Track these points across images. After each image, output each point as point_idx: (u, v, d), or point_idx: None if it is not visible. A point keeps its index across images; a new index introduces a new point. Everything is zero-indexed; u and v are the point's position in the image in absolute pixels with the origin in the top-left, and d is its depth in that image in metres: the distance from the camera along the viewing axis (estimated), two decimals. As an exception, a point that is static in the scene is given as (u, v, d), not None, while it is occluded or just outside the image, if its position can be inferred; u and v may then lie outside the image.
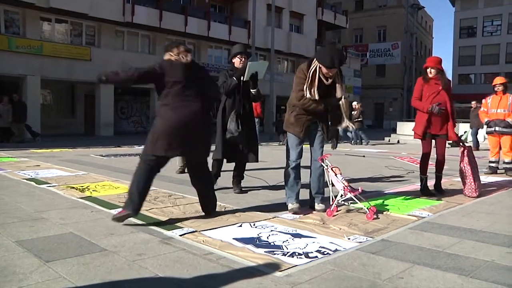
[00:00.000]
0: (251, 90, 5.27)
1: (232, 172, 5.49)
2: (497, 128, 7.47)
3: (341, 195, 4.08)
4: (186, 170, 7.03)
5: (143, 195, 3.67)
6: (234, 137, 5.04)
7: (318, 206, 4.25)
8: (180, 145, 3.62)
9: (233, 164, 5.47)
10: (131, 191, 3.66)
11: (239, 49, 5.44)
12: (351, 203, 4.20)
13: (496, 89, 7.61)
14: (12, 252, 2.91)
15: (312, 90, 4.05)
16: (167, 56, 3.79)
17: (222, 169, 5.53)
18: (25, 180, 6.03)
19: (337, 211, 4.17)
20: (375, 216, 3.95)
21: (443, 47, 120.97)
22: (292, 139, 4.31)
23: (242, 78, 5.14)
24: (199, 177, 3.97)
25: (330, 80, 4.10)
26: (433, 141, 5.36)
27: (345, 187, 4.03)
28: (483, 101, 8.16)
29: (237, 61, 5.34)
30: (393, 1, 46.80)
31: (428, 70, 5.24)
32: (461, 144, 5.41)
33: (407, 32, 44.15)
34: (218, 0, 27.13)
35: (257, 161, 5.39)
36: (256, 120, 15.19)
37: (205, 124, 3.78)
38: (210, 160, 5.71)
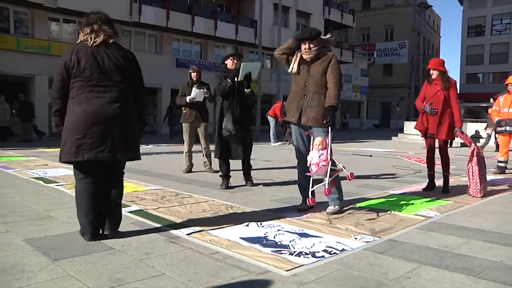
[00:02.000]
0: (245, 89, 5.43)
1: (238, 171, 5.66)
2: (507, 128, 7.41)
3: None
4: (192, 169, 7.10)
5: (91, 216, 3.12)
6: (231, 135, 5.26)
7: (328, 208, 4.18)
8: (93, 145, 2.97)
9: (237, 163, 5.71)
10: (78, 216, 3.19)
11: (231, 51, 5.62)
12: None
13: (508, 88, 7.54)
14: (21, 250, 2.93)
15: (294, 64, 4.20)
16: (80, 37, 3.16)
17: (229, 170, 5.68)
18: (33, 179, 6.08)
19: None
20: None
21: (451, 46, 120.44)
22: (291, 128, 4.37)
23: (236, 79, 5.31)
24: (113, 186, 3.21)
25: (307, 56, 4.10)
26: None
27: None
28: (492, 100, 8.12)
29: (229, 63, 5.52)
30: (401, 0, 46.56)
31: (430, 71, 5.48)
32: (471, 144, 5.40)
33: (415, 31, 43.89)
34: (225, -1, 27.19)
35: (249, 157, 5.67)
36: (273, 120, 15.34)
37: (127, 119, 3.10)
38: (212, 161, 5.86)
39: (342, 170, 4.03)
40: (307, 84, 4.12)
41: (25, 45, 18.55)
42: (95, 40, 3.06)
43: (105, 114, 3.00)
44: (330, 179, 3.90)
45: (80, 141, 2.97)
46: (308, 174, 3.98)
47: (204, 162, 7.15)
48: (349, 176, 3.93)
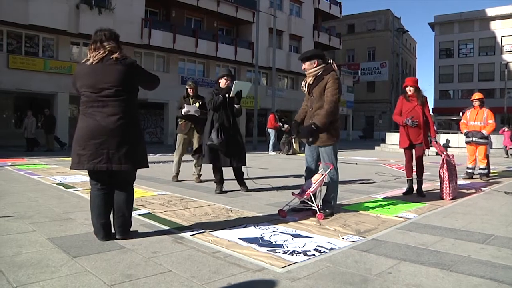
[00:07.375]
0: (235, 105, 5.50)
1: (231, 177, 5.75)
2: (474, 139, 7.46)
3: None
4: (200, 178, 6.90)
5: (103, 219, 3.09)
6: (214, 144, 5.24)
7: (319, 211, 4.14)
8: (91, 157, 2.91)
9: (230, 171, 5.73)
10: (92, 219, 3.16)
11: (225, 72, 5.71)
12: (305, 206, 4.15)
13: (474, 103, 7.61)
14: (45, 247, 2.93)
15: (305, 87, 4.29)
16: (88, 53, 3.12)
17: (223, 177, 5.65)
18: (55, 185, 6.05)
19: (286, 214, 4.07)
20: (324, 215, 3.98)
21: (425, 66, 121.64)
22: (305, 146, 4.37)
23: (227, 95, 5.39)
24: (119, 194, 3.10)
25: (309, 78, 4.15)
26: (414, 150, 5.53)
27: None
28: (460, 114, 8.17)
29: (222, 82, 5.59)
30: (381, 25, 46.89)
31: (408, 88, 5.45)
32: (443, 152, 5.42)
33: (394, 53, 44.24)
34: (225, 24, 27.22)
35: (244, 164, 5.60)
36: (272, 131, 15.18)
37: (125, 131, 2.96)
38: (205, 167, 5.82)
39: (313, 208, 4.03)
40: (311, 109, 4.15)
41: (50, 66, 18.79)
42: (95, 58, 3.00)
43: (101, 128, 2.91)
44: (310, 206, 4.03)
45: (80, 153, 2.94)
46: (295, 194, 4.10)
47: (193, 172, 6.87)
48: (319, 216, 3.93)
